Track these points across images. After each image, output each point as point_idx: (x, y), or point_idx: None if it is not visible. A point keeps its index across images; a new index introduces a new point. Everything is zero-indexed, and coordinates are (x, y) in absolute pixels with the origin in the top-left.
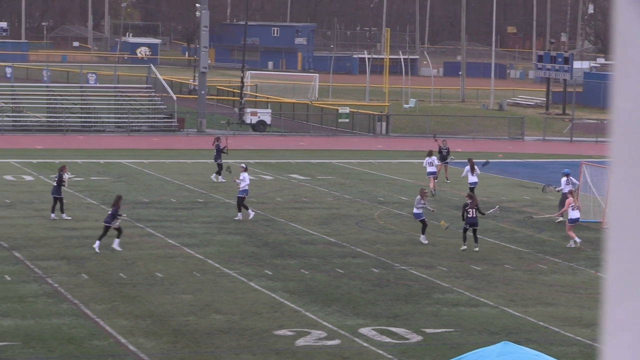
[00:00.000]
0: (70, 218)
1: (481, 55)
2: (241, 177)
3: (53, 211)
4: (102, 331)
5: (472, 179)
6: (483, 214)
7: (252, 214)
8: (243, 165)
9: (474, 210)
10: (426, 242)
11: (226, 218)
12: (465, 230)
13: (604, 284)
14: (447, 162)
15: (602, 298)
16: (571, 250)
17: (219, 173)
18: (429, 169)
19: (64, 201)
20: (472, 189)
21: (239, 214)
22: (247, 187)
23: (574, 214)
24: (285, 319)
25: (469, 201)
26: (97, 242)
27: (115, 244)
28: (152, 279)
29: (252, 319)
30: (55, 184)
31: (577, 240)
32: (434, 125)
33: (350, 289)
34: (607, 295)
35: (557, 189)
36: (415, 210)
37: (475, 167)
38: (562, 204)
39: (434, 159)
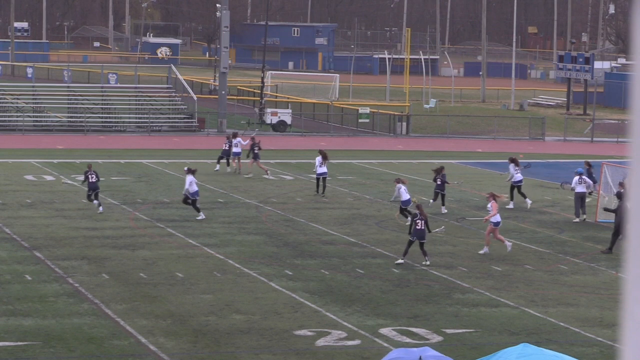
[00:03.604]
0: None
1: (502, 55)
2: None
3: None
4: (122, 331)
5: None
6: (430, 231)
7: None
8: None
9: (423, 222)
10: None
11: (246, 218)
12: (410, 242)
13: (624, 284)
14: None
15: (622, 298)
16: (592, 250)
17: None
18: (235, 150)
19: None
20: (319, 178)
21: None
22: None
23: (497, 218)
24: (306, 319)
25: (417, 212)
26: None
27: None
28: (172, 279)
29: (272, 319)
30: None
31: (486, 248)
32: (455, 126)
33: (371, 289)
34: (628, 295)
35: (571, 187)
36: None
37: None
38: (576, 202)
39: (239, 140)
